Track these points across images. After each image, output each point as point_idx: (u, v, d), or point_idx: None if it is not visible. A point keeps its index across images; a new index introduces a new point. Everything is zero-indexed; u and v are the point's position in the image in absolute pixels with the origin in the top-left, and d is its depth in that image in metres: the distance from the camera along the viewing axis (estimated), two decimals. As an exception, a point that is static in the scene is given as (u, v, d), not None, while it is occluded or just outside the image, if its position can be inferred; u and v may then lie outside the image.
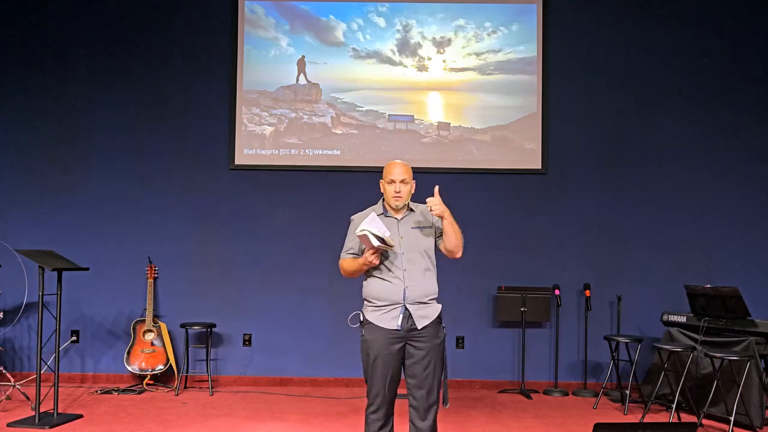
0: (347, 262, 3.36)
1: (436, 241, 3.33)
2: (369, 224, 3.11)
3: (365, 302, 3.31)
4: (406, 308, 3.19)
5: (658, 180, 6.17)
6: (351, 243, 3.36)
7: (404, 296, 3.19)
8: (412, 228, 3.28)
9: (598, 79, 6.23)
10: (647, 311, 5.95)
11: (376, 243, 3.09)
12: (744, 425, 4.71)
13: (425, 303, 3.23)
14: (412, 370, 3.21)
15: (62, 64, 6.24)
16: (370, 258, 3.17)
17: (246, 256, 6.15)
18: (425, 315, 3.21)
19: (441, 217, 3.20)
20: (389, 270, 3.22)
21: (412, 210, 3.34)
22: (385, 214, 3.32)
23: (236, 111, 6.22)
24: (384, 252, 3.21)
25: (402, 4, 6.28)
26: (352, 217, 3.41)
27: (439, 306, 3.29)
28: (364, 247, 3.24)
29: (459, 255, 3.31)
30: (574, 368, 6.10)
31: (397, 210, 3.32)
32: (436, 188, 3.23)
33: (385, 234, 3.11)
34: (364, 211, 3.40)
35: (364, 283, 3.32)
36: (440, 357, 3.22)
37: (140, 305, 6.01)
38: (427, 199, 3.19)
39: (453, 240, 3.25)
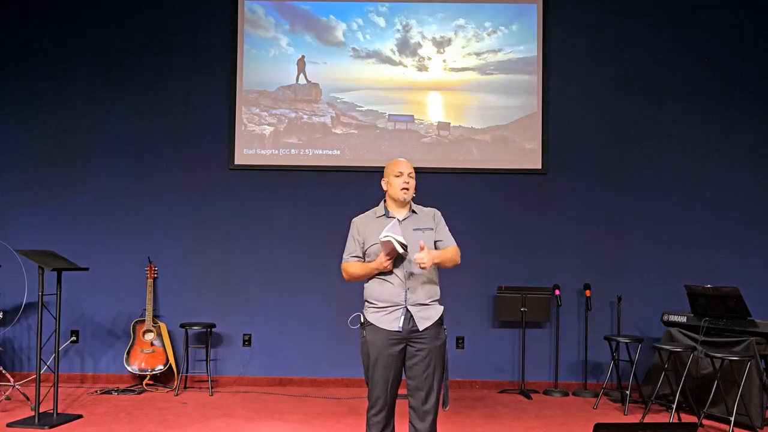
0: (354, 266, 3.32)
1: (436, 244, 3.33)
2: (390, 230, 3.10)
3: (366, 303, 3.30)
4: (408, 309, 3.19)
5: (658, 180, 6.17)
6: (354, 246, 3.34)
7: (406, 298, 3.19)
8: (413, 230, 3.26)
9: (598, 79, 6.23)
10: (647, 311, 5.95)
11: (400, 250, 3.09)
12: (744, 425, 4.71)
13: (426, 304, 3.22)
14: (412, 371, 3.20)
15: (62, 64, 6.24)
16: (386, 263, 3.16)
17: (246, 256, 6.15)
18: (427, 316, 3.21)
19: (435, 264, 3.20)
20: (391, 272, 3.21)
21: (414, 212, 3.34)
22: (386, 215, 3.32)
23: (236, 111, 6.22)
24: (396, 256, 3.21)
25: (402, 4, 6.28)
26: (353, 220, 3.40)
27: (441, 308, 3.28)
28: (368, 250, 3.24)
29: (459, 263, 3.36)
30: (574, 368, 6.09)
31: (399, 210, 3.31)
32: (421, 243, 3.11)
33: (403, 241, 3.12)
34: (366, 214, 3.40)
35: (366, 284, 3.31)
36: (441, 359, 3.21)
37: (140, 305, 6.01)
38: (415, 256, 3.10)
39: (450, 266, 3.31)
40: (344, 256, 3.38)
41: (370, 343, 3.22)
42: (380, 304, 3.23)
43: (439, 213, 3.40)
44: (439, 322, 3.24)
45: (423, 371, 3.17)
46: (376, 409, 3.21)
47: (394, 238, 3.07)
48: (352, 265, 3.33)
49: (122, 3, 6.27)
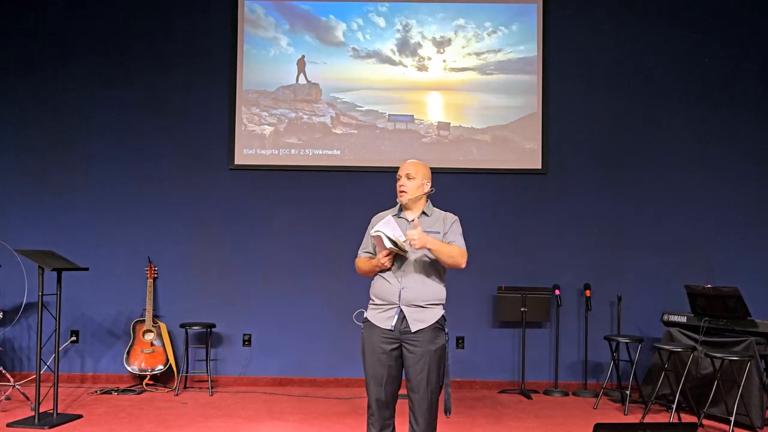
0: (362, 261, 3.38)
1: None
2: (384, 226, 3.14)
3: (369, 300, 3.33)
4: (402, 310, 3.18)
5: (659, 180, 6.17)
6: (367, 242, 3.40)
7: (399, 297, 3.18)
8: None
9: (598, 79, 6.23)
10: (647, 311, 5.95)
11: (388, 245, 3.11)
12: (744, 425, 4.71)
13: (422, 306, 3.19)
14: (407, 373, 3.20)
15: (62, 64, 6.24)
16: (383, 260, 3.19)
17: (246, 256, 6.14)
18: (421, 319, 3.18)
19: (426, 248, 3.13)
20: (390, 270, 3.23)
21: (425, 214, 3.32)
22: (398, 214, 3.33)
23: (236, 111, 6.22)
24: (396, 255, 3.21)
25: (402, 3, 6.28)
26: (372, 218, 3.43)
27: (440, 312, 3.24)
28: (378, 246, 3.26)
29: (462, 267, 3.27)
30: (574, 368, 6.09)
31: (409, 211, 3.31)
32: (415, 220, 3.19)
33: (400, 239, 3.13)
34: (385, 212, 3.41)
35: (372, 281, 3.34)
36: (437, 363, 3.17)
37: (140, 305, 6.01)
38: (407, 232, 3.13)
39: (447, 262, 3.21)
40: (359, 251, 3.43)
41: (365, 339, 3.25)
42: (378, 302, 3.25)
43: (456, 219, 3.35)
44: (437, 326, 3.20)
45: (417, 374, 3.15)
46: (372, 408, 3.22)
47: (384, 234, 3.09)
48: (361, 260, 3.39)
49: (122, 3, 6.27)
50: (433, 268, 3.25)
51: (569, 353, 6.10)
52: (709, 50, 6.21)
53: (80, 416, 4.81)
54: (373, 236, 3.17)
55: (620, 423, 4.57)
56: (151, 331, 5.86)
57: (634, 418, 5.06)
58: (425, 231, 3.25)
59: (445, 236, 3.29)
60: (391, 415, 3.25)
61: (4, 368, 5.43)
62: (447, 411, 3.24)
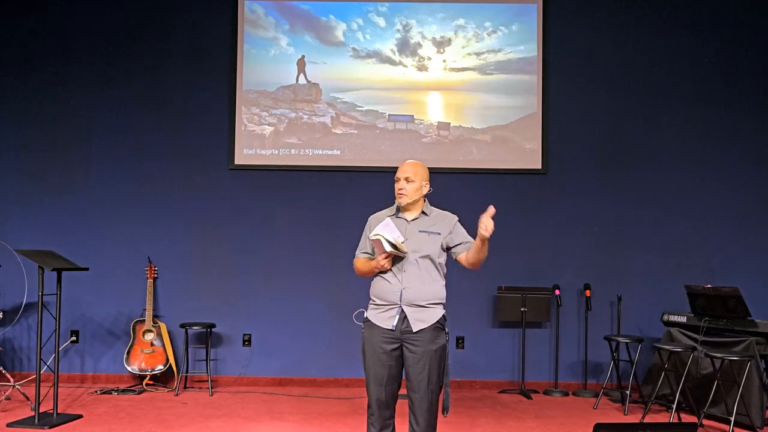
0: (361, 261, 3.37)
1: (450, 251, 3.30)
2: (383, 229, 3.14)
3: (369, 300, 3.32)
4: (403, 309, 3.18)
5: (659, 180, 6.17)
6: (364, 243, 3.39)
7: (401, 297, 3.18)
8: (419, 231, 3.25)
9: (598, 79, 6.23)
10: (647, 311, 5.95)
11: (388, 248, 3.11)
12: (744, 425, 4.71)
13: (423, 306, 3.19)
14: (407, 373, 3.20)
15: (62, 64, 6.24)
16: (383, 262, 3.19)
17: (246, 256, 6.14)
18: (422, 318, 3.18)
19: (483, 238, 3.10)
20: (391, 270, 3.22)
21: (425, 213, 3.32)
22: (396, 214, 3.32)
23: (236, 111, 6.22)
24: (396, 256, 3.21)
25: (402, 3, 6.28)
26: (369, 218, 3.41)
27: (441, 312, 3.24)
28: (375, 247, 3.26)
29: (478, 268, 3.32)
30: (574, 368, 6.09)
31: (407, 211, 3.31)
32: (491, 209, 3.11)
33: (398, 240, 3.13)
34: (382, 211, 3.40)
35: (372, 281, 3.33)
36: (438, 363, 3.17)
37: (140, 305, 6.01)
38: (482, 217, 3.07)
39: (480, 258, 3.21)
40: (357, 251, 3.43)
41: (366, 339, 3.24)
42: (379, 302, 3.25)
43: (456, 220, 3.35)
44: (438, 326, 3.20)
45: (417, 374, 3.15)
46: (372, 407, 3.22)
47: (383, 237, 3.09)
48: (359, 261, 3.38)
49: (122, 3, 6.27)
50: (434, 267, 3.25)
51: (569, 353, 6.10)
52: (709, 50, 6.22)
53: (80, 416, 4.81)
54: (373, 240, 3.16)
55: (620, 423, 4.58)
56: (151, 331, 5.86)
57: (634, 418, 5.06)
58: (425, 231, 3.25)
59: (451, 238, 3.28)
60: (391, 415, 3.25)
61: (4, 368, 5.43)
62: (444, 410, 3.24)
